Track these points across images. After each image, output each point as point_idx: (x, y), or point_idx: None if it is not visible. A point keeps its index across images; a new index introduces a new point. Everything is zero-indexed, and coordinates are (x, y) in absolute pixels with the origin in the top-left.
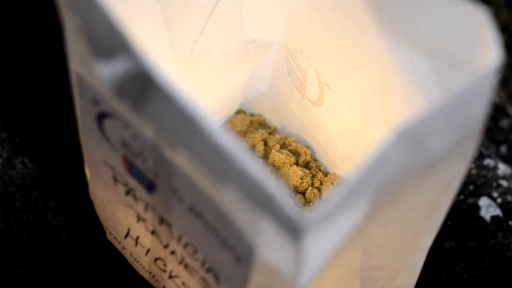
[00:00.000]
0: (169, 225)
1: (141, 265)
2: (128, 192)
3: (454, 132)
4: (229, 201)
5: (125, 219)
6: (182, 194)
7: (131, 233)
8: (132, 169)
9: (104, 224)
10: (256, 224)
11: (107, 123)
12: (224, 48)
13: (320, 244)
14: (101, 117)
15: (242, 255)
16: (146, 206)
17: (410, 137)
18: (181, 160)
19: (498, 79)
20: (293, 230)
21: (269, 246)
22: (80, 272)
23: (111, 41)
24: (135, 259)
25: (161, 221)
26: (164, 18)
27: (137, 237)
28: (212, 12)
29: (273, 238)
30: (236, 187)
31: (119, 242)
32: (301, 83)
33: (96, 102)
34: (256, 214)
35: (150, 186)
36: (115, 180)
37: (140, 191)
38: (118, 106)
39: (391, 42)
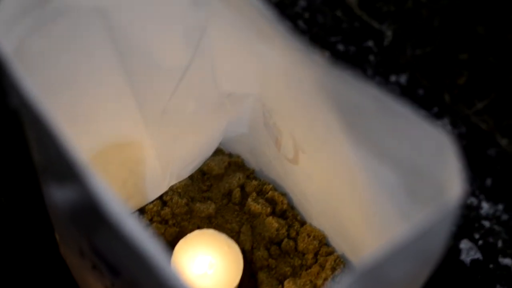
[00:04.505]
0: None
1: None
2: (94, 267)
3: (414, 264)
4: None
5: (95, 285)
6: None
7: None
8: (96, 251)
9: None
10: None
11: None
12: (198, 104)
13: None
14: None
15: None
16: (113, 284)
17: (369, 275)
18: None
19: (486, 104)
20: None
21: None
22: None
23: (62, 168)
24: None
25: None
26: (131, 86)
27: None
28: (185, 73)
29: None
30: None
31: None
32: (276, 138)
33: (55, 202)
34: None
35: (114, 271)
36: (82, 254)
37: (106, 270)
38: None
39: (358, 149)
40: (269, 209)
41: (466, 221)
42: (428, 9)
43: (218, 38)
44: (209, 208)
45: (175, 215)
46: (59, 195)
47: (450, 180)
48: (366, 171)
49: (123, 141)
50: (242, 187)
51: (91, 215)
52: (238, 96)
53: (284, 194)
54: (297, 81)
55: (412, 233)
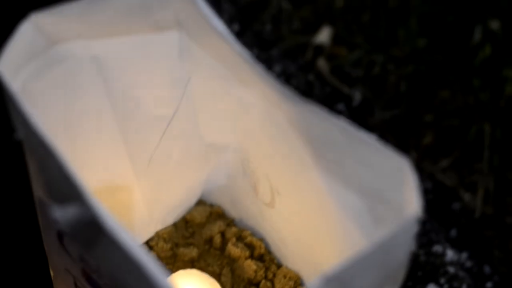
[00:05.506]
0: None
1: None
2: None
3: (377, 275)
4: None
5: None
6: None
7: None
8: (90, 280)
9: None
10: None
11: (67, 239)
12: (182, 153)
13: None
14: (61, 234)
15: None
16: None
17: (335, 281)
18: None
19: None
20: None
21: None
22: None
23: (64, 189)
24: None
25: None
26: (122, 133)
27: None
28: (170, 123)
29: None
30: None
31: None
32: (255, 185)
33: (56, 221)
34: None
35: None
36: (76, 286)
37: None
38: None
39: (328, 180)
40: (247, 253)
41: (433, 267)
42: (395, 75)
43: (201, 86)
44: (192, 252)
45: (160, 259)
46: (60, 215)
47: (408, 200)
48: (335, 201)
49: (113, 186)
50: (223, 234)
51: (90, 229)
52: (219, 147)
53: (261, 239)
54: (272, 118)
55: (372, 246)
